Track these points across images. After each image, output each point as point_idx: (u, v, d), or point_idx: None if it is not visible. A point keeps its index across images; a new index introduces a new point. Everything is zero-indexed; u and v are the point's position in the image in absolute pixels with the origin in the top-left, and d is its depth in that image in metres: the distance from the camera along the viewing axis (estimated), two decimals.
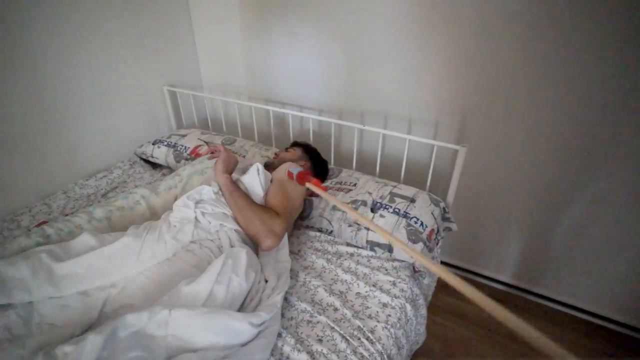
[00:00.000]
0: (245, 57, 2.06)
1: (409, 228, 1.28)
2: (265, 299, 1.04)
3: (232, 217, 1.17)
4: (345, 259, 1.27)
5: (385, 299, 1.12)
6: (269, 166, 1.47)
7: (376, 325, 1.04)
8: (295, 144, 1.61)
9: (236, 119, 2.04)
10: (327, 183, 1.54)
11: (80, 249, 1.03)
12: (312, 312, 1.07)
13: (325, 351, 0.95)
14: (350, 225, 1.33)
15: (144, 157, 1.93)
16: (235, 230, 1.15)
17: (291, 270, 1.22)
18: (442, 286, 1.68)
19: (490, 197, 1.75)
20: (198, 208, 1.15)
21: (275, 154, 1.62)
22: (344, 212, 1.37)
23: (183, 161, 1.78)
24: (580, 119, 1.41)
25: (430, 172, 1.53)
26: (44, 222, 1.30)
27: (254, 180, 1.25)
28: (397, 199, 1.38)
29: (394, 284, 1.18)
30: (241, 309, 1.02)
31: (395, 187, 1.47)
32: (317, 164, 1.55)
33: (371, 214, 1.34)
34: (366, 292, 1.15)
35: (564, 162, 1.52)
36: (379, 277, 1.20)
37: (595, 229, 1.58)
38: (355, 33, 1.68)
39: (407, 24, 1.55)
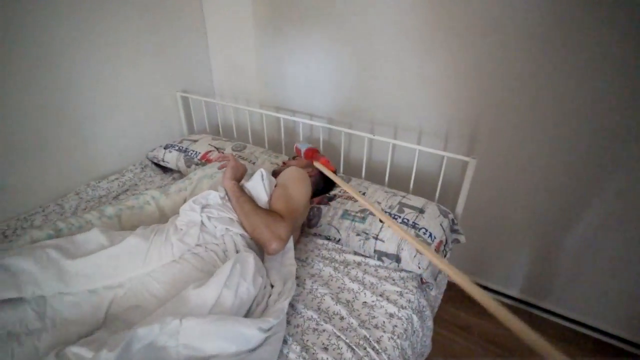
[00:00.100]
0: (258, 65, 2.09)
1: (417, 239, 1.28)
2: (271, 304, 1.04)
3: (237, 221, 1.18)
4: (353, 268, 1.27)
5: (392, 309, 1.12)
6: (276, 174, 1.48)
7: (382, 336, 1.04)
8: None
9: (247, 125, 2.06)
10: (336, 191, 1.55)
11: (90, 246, 1.05)
12: (318, 320, 1.07)
13: (330, 359, 0.95)
14: (358, 234, 1.34)
15: (155, 161, 1.96)
16: (240, 234, 1.16)
17: (298, 277, 1.22)
18: (448, 298, 1.66)
19: (498, 209, 1.74)
20: (204, 212, 1.16)
21: (283, 162, 1.63)
22: (352, 220, 1.37)
23: (193, 166, 1.80)
24: (592, 132, 1.41)
25: (440, 183, 1.53)
26: None
27: (258, 186, 1.26)
28: (406, 209, 1.39)
29: (401, 294, 1.18)
30: (248, 314, 1.02)
31: (404, 197, 1.47)
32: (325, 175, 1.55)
33: (380, 224, 1.34)
34: (373, 301, 1.15)
35: (574, 176, 1.51)
36: (386, 287, 1.20)
37: (605, 245, 1.56)
38: (366, 43, 1.70)
39: (419, 35, 1.56)
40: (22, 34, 1.40)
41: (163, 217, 1.34)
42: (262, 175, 1.27)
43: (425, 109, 1.69)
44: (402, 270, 1.28)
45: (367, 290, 1.18)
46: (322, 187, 1.50)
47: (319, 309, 1.11)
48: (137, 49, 1.83)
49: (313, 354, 0.97)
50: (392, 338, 1.03)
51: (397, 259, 1.27)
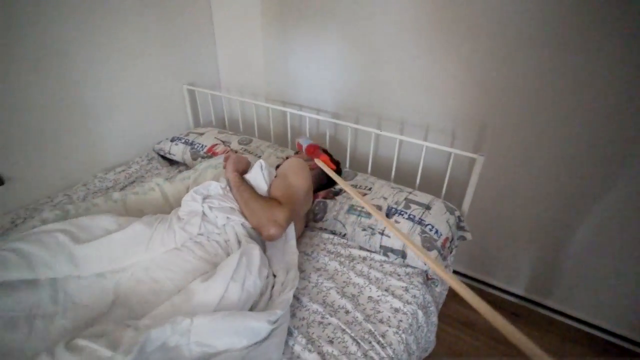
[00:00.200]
0: (265, 59, 2.09)
1: (423, 235, 1.28)
2: (276, 294, 1.05)
3: (238, 210, 1.20)
4: (358, 263, 1.27)
5: (397, 304, 1.12)
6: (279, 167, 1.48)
7: (387, 330, 1.04)
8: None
9: (253, 119, 2.06)
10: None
11: (97, 231, 1.08)
12: (323, 313, 1.07)
13: (336, 352, 0.95)
14: (364, 229, 1.34)
15: (161, 153, 1.96)
16: (242, 224, 1.18)
17: (303, 271, 1.23)
18: (453, 295, 1.66)
19: (504, 206, 1.73)
20: (206, 203, 1.18)
21: (287, 157, 1.64)
22: (358, 215, 1.37)
23: (199, 159, 1.81)
24: (599, 132, 1.40)
25: (446, 180, 1.52)
26: None
27: (258, 176, 1.28)
28: (413, 206, 1.38)
29: (406, 289, 1.18)
30: (253, 305, 1.03)
31: (410, 193, 1.47)
32: (330, 160, 1.55)
33: None
34: (378, 296, 1.15)
35: (580, 175, 1.50)
36: (392, 282, 1.20)
37: (611, 243, 1.55)
38: (373, 38, 1.69)
39: (426, 32, 1.55)
40: (32, 28, 1.40)
41: (166, 202, 1.38)
42: (261, 166, 1.29)
43: (432, 105, 1.68)
44: (407, 265, 1.28)
45: (373, 285, 1.18)
46: (327, 181, 1.50)
47: (324, 302, 1.11)
48: (144, 42, 1.83)
49: (318, 346, 0.97)
50: (397, 333, 1.04)
51: (403, 254, 1.27)
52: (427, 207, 1.39)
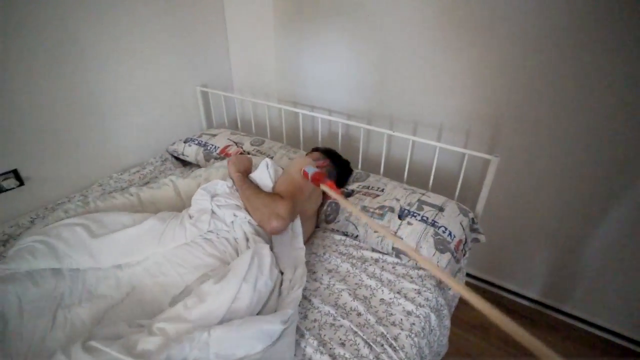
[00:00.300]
0: (277, 60, 2.10)
1: (436, 237, 1.26)
2: (284, 292, 1.06)
3: (244, 208, 1.24)
4: (370, 265, 1.27)
5: (409, 307, 1.11)
6: None
7: (400, 333, 1.03)
8: (315, 149, 1.63)
9: (265, 120, 2.07)
10: (354, 186, 1.54)
11: (115, 226, 1.15)
12: (335, 315, 1.07)
13: (348, 355, 0.95)
14: (376, 231, 1.33)
15: (175, 154, 1.99)
16: (248, 222, 1.21)
17: (315, 272, 1.23)
18: (465, 299, 1.64)
19: (519, 208, 1.70)
20: (214, 201, 1.23)
21: None
22: (371, 217, 1.36)
23: (212, 160, 1.82)
24: (617, 132, 1.36)
25: (460, 181, 1.50)
26: None
27: (263, 174, 1.32)
28: (426, 207, 1.37)
29: (419, 292, 1.17)
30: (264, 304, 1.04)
31: (423, 194, 1.45)
32: (337, 164, 1.56)
33: (399, 221, 1.33)
34: (390, 298, 1.14)
35: (597, 177, 1.46)
36: (404, 285, 1.19)
37: (630, 248, 1.51)
38: (386, 39, 1.68)
39: (440, 32, 1.54)
40: (48, 31, 1.44)
41: (178, 197, 1.44)
42: (267, 165, 1.33)
43: (445, 105, 1.66)
44: (420, 268, 1.27)
45: (385, 287, 1.17)
46: (336, 179, 1.51)
47: (336, 304, 1.11)
48: (158, 44, 1.86)
49: (330, 349, 0.97)
50: (409, 336, 1.03)
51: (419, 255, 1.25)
52: (440, 209, 1.37)
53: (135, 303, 1.04)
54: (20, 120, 1.43)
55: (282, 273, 1.12)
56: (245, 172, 1.35)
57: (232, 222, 1.21)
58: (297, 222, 1.24)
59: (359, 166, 1.79)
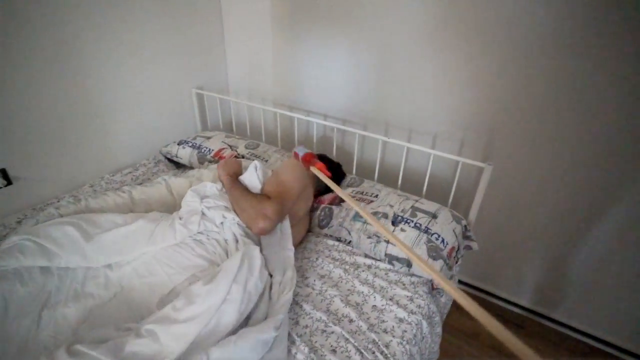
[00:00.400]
0: (273, 64, 2.10)
1: (429, 244, 1.26)
2: (274, 296, 1.06)
3: (232, 209, 1.25)
4: (363, 271, 1.26)
5: (401, 314, 1.11)
6: None
7: (391, 340, 1.03)
8: None
9: (260, 124, 2.06)
10: (349, 191, 1.54)
11: (107, 225, 1.15)
12: (327, 321, 1.06)
13: None
14: (369, 237, 1.33)
15: (168, 156, 1.97)
16: (237, 224, 1.21)
17: (307, 277, 1.22)
18: (458, 305, 1.64)
19: (511, 216, 1.71)
20: (203, 203, 1.23)
21: None
22: (364, 222, 1.36)
23: (206, 163, 1.81)
24: (610, 142, 1.38)
25: (454, 188, 1.51)
26: None
27: (252, 176, 1.33)
28: (419, 214, 1.37)
29: (411, 299, 1.16)
30: (252, 307, 1.03)
31: (417, 201, 1.45)
32: (329, 166, 1.55)
33: (392, 227, 1.33)
34: (382, 305, 1.13)
35: (590, 185, 1.48)
36: (396, 292, 1.19)
37: (622, 257, 1.52)
38: (383, 46, 1.69)
39: (436, 40, 1.55)
40: (43, 30, 1.42)
41: (171, 196, 1.44)
42: (255, 167, 1.34)
43: (440, 113, 1.67)
44: (412, 275, 1.27)
45: (377, 293, 1.17)
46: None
47: (328, 310, 1.10)
48: (155, 45, 1.85)
49: (321, 355, 0.96)
50: (401, 343, 1.02)
51: (409, 263, 1.25)
52: (434, 216, 1.37)
53: (122, 303, 1.03)
54: (9, 119, 1.41)
55: (271, 276, 1.12)
56: (235, 175, 1.36)
57: (222, 223, 1.22)
58: (286, 223, 1.24)
59: (354, 172, 1.79)
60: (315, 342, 1.00)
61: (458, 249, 1.35)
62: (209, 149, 1.85)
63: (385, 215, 1.37)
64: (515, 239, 1.75)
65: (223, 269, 1.00)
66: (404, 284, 1.22)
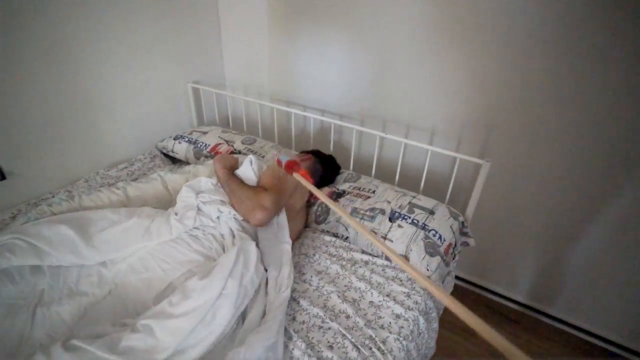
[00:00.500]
0: (270, 58, 2.08)
1: (426, 240, 1.26)
2: (271, 292, 1.06)
3: (228, 202, 1.24)
4: (360, 267, 1.26)
5: (398, 310, 1.11)
6: None
7: (388, 336, 1.03)
8: (301, 152, 1.65)
9: (257, 119, 2.05)
10: (346, 186, 1.54)
11: (100, 223, 1.14)
12: (324, 317, 1.06)
13: (335, 358, 0.94)
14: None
15: (164, 151, 1.96)
16: (234, 218, 1.21)
17: (304, 273, 1.22)
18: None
19: (507, 212, 1.72)
20: (199, 198, 1.23)
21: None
22: (361, 218, 1.36)
23: (203, 158, 1.80)
24: (606, 138, 1.38)
25: (451, 185, 1.51)
26: None
27: (247, 170, 1.34)
28: (416, 210, 1.37)
29: (408, 295, 1.16)
30: (248, 303, 1.03)
31: (414, 197, 1.45)
32: (321, 159, 1.57)
33: (389, 224, 1.32)
34: (379, 301, 1.13)
35: (586, 182, 1.48)
36: (393, 288, 1.19)
37: (618, 252, 1.53)
38: (381, 42, 1.68)
39: (434, 37, 1.54)
40: (36, 25, 1.40)
41: (166, 192, 1.43)
42: (250, 161, 1.35)
43: (438, 109, 1.67)
44: None
45: (374, 289, 1.17)
46: (322, 173, 1.52)
47: (324, 306, 1.10)
48: (150, 39, 1.82)
49: (318, 351, 0.96)
50: (398, 339, 1.02)
51: (405, 259, 1.25)
52: (431, 212, 1.37)
53: (117, 300, 1.02)
54: (3, 114, 1.38)
55: (266, 270, 1.12)
56: (231, 169, 1.36)
57: (218, 217, 1.21)
58: (283, 216, 1.25)
59: (351, 167, 1.79)
60: (312, 338, 1.00)
61: (455, 245, 1.35)
62: (205, 144, 1.84)
63: (383, 212, 1.37)
64: (511, 235, 1.76)
65: (219, 263, 1.00)
66: (401, 280, 1.22)
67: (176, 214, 1.19)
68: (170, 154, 1.93)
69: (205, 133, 1.93)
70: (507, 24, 1.38)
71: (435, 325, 1.27)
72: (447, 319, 1.75)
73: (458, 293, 1.86)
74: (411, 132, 1.78)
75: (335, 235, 1.41)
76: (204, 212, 1.21)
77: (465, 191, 1.59)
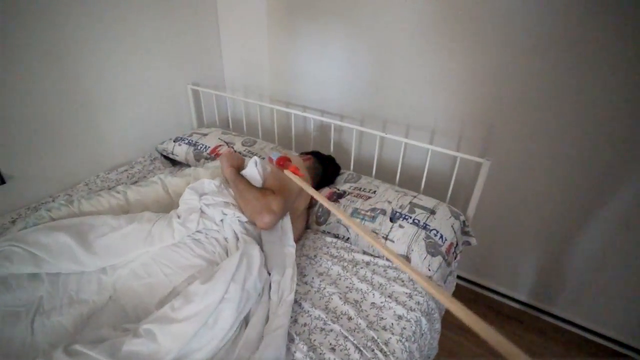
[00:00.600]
0: (270, 59, 2.08)
1: (428, 240, 1.26)
2: (274, 296, 1.05)
3: (232, 204, 1.22)
4: (362, 267, 1.26)
5: (400, 311, 1.10)
6: None
7: (390, 338, 1.02)
8: (301, 154, 1.65)
9: (257, 120, 2.05)
10: (346, 187, 1.53)
11: (101, 229, 1.12)
12: (325, 319, 1.05)
13: None
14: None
15: (164, 153, 1.95)
16: (238, 220, 1.19)
17: (305, 275, 1.22)
18: (456, 300, 1.64)
19: (508, 211, 1.71)
20: (202, 201, 1.21)
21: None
22: (362, 219, 1.36)
23: (203, 160, 1.79)
24: (606, 137, 1.37)
25: (452, 184, 1.50)
26: None
27: (252, 171, 1.32)
28: (417, 210, 1.37)
29: (410, 296, 1.16)
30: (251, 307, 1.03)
31: (415, 197, 1.45)
32: (321, 160, 1.57)
33: (390, 224, 1.32)
34: (381, 302, 1.13)
35: (587, 181, 1.48)
36: (395, 289, 1.18)
37: (619, 251, 1.53)
38: (381, 42, 1.68)
39: (434, 36, 1.53)
40: (36, 26, 1.39)
41: (167, 195, 1.41)
42: (255, 162, 1.34)
43: (438, 108, 1.66)
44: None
45: (376, 290, 1.16)
46: (323, 174, 1.53)
47: (326, 308, 1.10)
48: (149, 41, 1.82)
49: (320, 354, 0.96)
50: (400, 340, 1.02)
51: (407, 260, 1.25)
52: (432, 212, 1.37)
53: (118, 305, 1.00)
54: (2, 117, 1.38)
55: (269, 274, 1.11)
56: (237, 168, 1.34)
57: (222, 220, 1.19)
58: (287, 219, 1.23)
59: (351, 167, 1.78)
60: (314, 340, 1.00)
61: (457, 244, 1.35)
62: (206, 146, 1.84)
63: (384, 212, 1.36)
64: (512, 233, 1.75)
65: (221, 267, 0.99)
66: (402, 281, 1.22)
67: (179, 217, 1.17)
68: (170, 156, 1.93)
69: (205, 135, 1.92)
70: (507, 23, 1.38)
71: (438, 325, 1.26)
72: (449, 319, 1.75)
73: (459, 292, 1.86)
74: (411, 132, 1.77)
75: (337, 236, 1.40)
76: (207, 215, 1.19)
77: (466, 190, 1.59)
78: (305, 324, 1.04)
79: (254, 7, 1.98)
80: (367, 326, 1.04)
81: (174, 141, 1.92)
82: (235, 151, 1.79)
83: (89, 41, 1.58)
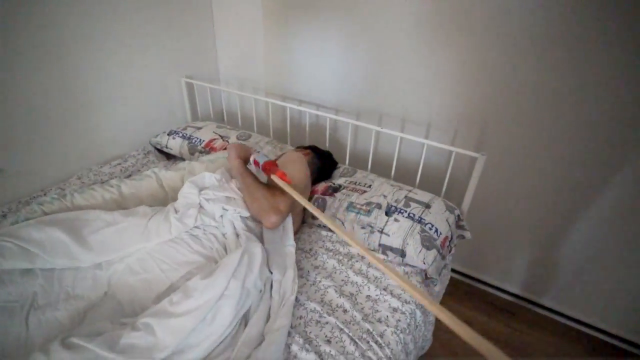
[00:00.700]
0: (265, 53, 2.06)
1: (423, 234, 1.27)
2: (275, 296, 1.04)
3: (234, 199, 1.20)
4: (357, 261, 1.26)
5: (395, 303, 1.11)
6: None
7: (385, 330, 1.03)
8: (298, 148, 1.64)
9: (252, 114, 2.04)
10: (342, 181, 1.53)
11: (95, 224, 1.10)
12: (321, 312, 1.06)
13: (333, 352, 0.95)
14: (363, 227, 1.33)
15: (158, 147, 1.94)
16: (240, 217, 1.18)
17: (301, 268, 1.22)
18: (450, 293, 1.66)
19: (501, 205, 1.73)
20: (202, 195, 1.18)
21: (282, 153, 1.64)
22: (357, 213, 1.36)
23: (197, 154, 1.78)
24: (599, 133, 1.39)
25: (447, 178, 1.51)
26: None
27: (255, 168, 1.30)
28: (413, 204, 1.37)
29: (404, 289, 1.17)
30: (252, 304, 1.02)
31: (410, 191, 1.45)
32: (319, 155, 1.57)
33: (386, 218, 1.32)
34: (376, 295, 1.14)
35: (579, 175, 1.49)
36: (390, 281, 1.19)
37: (608, 243, 1.55)
38: (376, 36, 1.67)
39: (429, 31, 1.53)
40: (27, 20, 1.37)
41: (161, 189, 1.39)
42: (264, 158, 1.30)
43: (434, 103, 1.66)
44: (406, 264, 1.27)
45: (371, 283, 1.17)
46: (320, 168, 1.52)
47: (322, 301, 1.10)
48: (143, 33, 1.80)
49: (316, 346, 0.96)
50: (395, 332, 1.03)
51: (402, 253, 1.26)
52: (427, 206, 1.38)
53: (114, 300, 0.99)
54: None
55: (271, 272, 1.10)
56: (245, 160, 1.30)
57: (222, 216, 1.17)
58: (289, 219, 1.22)
59: (347, 162, 1.78)
60: (310, 332, 1.00)
61: (451, 238, 1.36)
62: (200, 140, 1.83)
63: (379, 206, 1.37)
64: (506, 227, 1.77)
65: (222, 263, 0.99)
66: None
67: (176, 212, 1.14)
68: (165, 149, 1.91)
69: (199, 128, 1.91)
70: (502, 20, 1.38)
71: (432, 318, 1.28)
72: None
73: (453, 285, 1.87)
74: (407, 126, 1.78)
75: (332, 230, 1.40)
76: (206, 211, 1.17)
77: (461, 184, 1.59)
78: (300, 317, 1.05)
79: (249, 0, 1.96)
80: (362, 318, 1.05)
81: (168, 135, 1.90)
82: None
83: (82, 35, 1.55)
